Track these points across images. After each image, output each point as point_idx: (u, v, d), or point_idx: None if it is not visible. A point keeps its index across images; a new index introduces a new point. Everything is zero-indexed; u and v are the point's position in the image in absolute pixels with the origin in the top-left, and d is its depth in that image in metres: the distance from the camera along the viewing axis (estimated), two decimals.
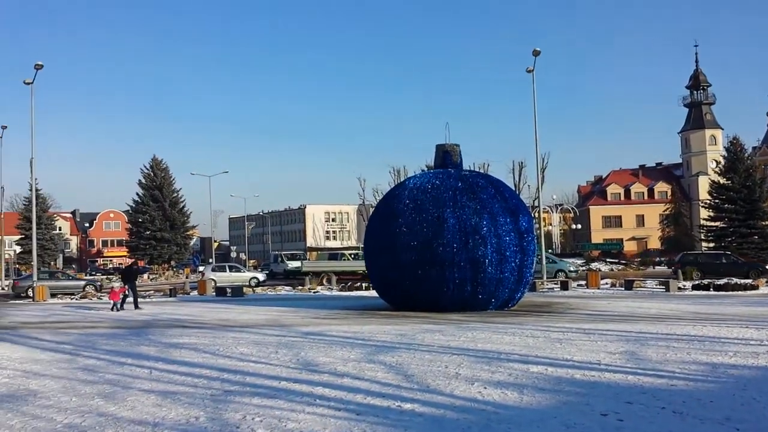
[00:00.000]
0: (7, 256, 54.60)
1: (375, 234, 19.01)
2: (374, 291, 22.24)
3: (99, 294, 30.64)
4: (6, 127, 43.01)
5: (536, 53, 30.93)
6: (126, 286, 22.25)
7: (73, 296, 30.15)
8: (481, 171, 48.54)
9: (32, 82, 31.06)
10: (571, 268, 34.96)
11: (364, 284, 29.96)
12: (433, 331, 13.09)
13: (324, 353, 10.43)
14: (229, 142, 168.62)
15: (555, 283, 28.88)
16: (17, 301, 28.57)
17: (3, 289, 42.92)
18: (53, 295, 29.85)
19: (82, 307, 23.41)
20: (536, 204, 47.51)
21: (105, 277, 51.10)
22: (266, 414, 6.49)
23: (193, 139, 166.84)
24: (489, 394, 7.25)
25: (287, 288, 32.88)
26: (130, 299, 21.56)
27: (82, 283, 34.28)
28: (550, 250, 50.01)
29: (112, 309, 20.81)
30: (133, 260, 27.67)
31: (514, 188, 51.21)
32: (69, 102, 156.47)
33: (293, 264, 49.48)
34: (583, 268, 43.13)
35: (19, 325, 16.90)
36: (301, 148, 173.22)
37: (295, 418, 6.31)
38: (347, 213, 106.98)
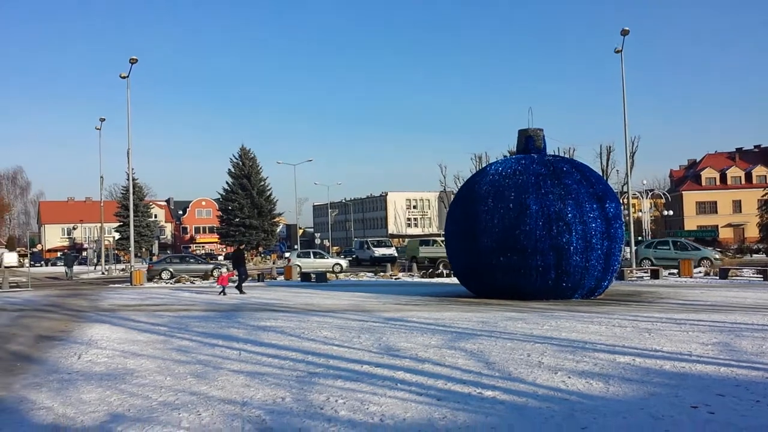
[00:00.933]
0: (106, 242, 57.92)
1: (456, 220, 18.93)
2: (455, 278, 22.19)
3: (192, 279, 32.04)
4: (104, 119, 45.57)
5: (625, 33, 29.78)
6: (234, 271, 22.76)
7: (167, 281, 31.67)
8: (566, 156, 47.28)
9: (128, 76, 32.70)
10: (717, 256, 33.46)
11: (445, 271, 29.95)
12: (515, 319, 12.95)
13: (405, 339, 10.53)
14: (313, 131, 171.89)
15: (644, 272, 27.89)
16: (116, 285, 30.28)
17: (103, 273, 45.61)
18: (180, 279, 31.64)
19: (177, 290, 24.57)
20: (625, 189, 45.90)
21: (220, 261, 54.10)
22: (349, 396, 6.63)
23: (279, 129, 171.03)
24: (573, 383, 7.12)
25: (369, 274, 33.28)
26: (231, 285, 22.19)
27: (210, 266, 36.05)
28: (643, 236, 48.10)
29: (220, 293, 21.38)
30: (240, 245, 28.33)
31: (601, 173, 49.62)
32: (163, 95, 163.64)
33: (381, 251, 49.37)
34: None
35: (117, 307, 17.92)
36: (382, 136, 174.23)
37: (377, 401, 6.43)
38: (428, 200, 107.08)
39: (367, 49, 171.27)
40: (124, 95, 32.92)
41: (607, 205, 17.31)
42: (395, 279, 29.87)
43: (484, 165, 72.69)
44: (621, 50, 30.35)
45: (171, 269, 34.11)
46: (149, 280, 31.88)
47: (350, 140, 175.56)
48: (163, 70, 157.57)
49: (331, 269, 36.81)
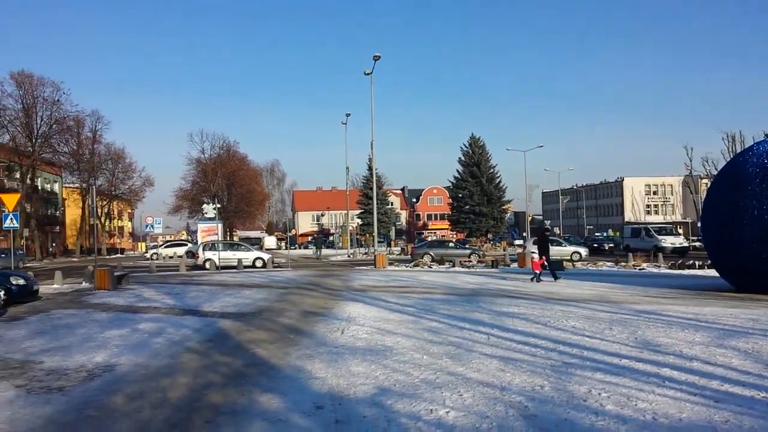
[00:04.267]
0: (351, 228, 62.43)
1: (714, 207, 17.17)
2: (710, 270, 20.21)
3: (430, 263, 33.22)
4: (350, 114, 49.23)
5: None
6: (543, 258, 21.87)
7: (407, 264, 33.21)
8: None
9: (371, 73, 34.71)
10: None
11: (697, 263, 27.44)
12: None
13: (664, 333, 9.81)
14: (543, 116, 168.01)
15: None
16: (362, 267, 32.45)
17: (349, 256, 49.25)
18: (441, 262, 33.43)
19: (416, 273, 25.59)
20: None
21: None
22: (612, 390, 6.34)
23: (509, 116, 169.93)
24: None
25: (609, 264, 31.69)
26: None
27: (467, 251, 37.83)
28: None
29: (532, 279, 21.18)
30: (545, 230, 27.18)
31: None
32: (398, 88, 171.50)
33: (669, 240, 42.39)
34: None
35: (367, 287, 19.17)
36: (618, 117, 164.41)
37: (645, 398, 6.06)
38: (671, 185, 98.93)
39: (601, 34, 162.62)
40: (366, 91, 35.07)
41: None
42: (639, 269, 28.04)
43: (737, 145, 65.32)
44: None
45: (432, 253, 35.94)
46: (412, 262, 33.83)
47: (582, 124, 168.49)
48: (397, 65, 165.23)
49: (569, 257, 35.62)
